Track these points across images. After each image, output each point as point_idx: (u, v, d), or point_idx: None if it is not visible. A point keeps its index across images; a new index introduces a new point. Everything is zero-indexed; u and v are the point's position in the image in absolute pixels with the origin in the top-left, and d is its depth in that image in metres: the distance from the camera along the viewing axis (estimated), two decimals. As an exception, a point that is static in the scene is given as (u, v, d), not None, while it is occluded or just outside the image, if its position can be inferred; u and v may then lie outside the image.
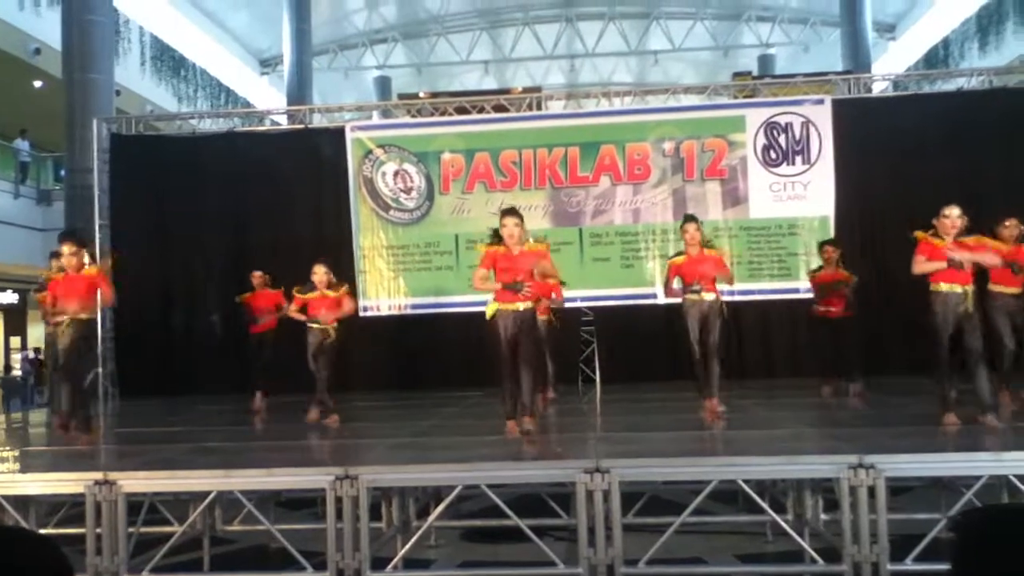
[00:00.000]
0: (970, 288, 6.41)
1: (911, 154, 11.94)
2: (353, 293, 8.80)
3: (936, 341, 6.41)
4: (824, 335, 9.32)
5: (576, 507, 5.11)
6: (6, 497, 5.56)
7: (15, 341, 22.80)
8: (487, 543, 7.09)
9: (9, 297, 22.12)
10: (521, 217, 6.67)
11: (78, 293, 6.94)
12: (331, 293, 8.51)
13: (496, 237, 6.61)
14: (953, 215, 6.37)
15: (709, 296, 7.41)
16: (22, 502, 5.94)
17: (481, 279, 6.63)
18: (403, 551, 5.61)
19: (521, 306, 6.58)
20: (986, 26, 20.37)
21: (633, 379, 11.49)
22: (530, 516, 5.77)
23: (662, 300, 11.99)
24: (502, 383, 6.70)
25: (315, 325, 8.44)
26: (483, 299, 11.84)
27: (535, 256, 6.68)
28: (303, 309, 8.59)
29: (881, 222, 11.87)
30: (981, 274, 6.90)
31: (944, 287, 6.35)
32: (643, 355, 12.03)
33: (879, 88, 14.59)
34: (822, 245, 9.74)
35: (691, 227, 7.45)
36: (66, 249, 6.98)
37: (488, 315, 6.67)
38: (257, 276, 10.08)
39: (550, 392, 9.26)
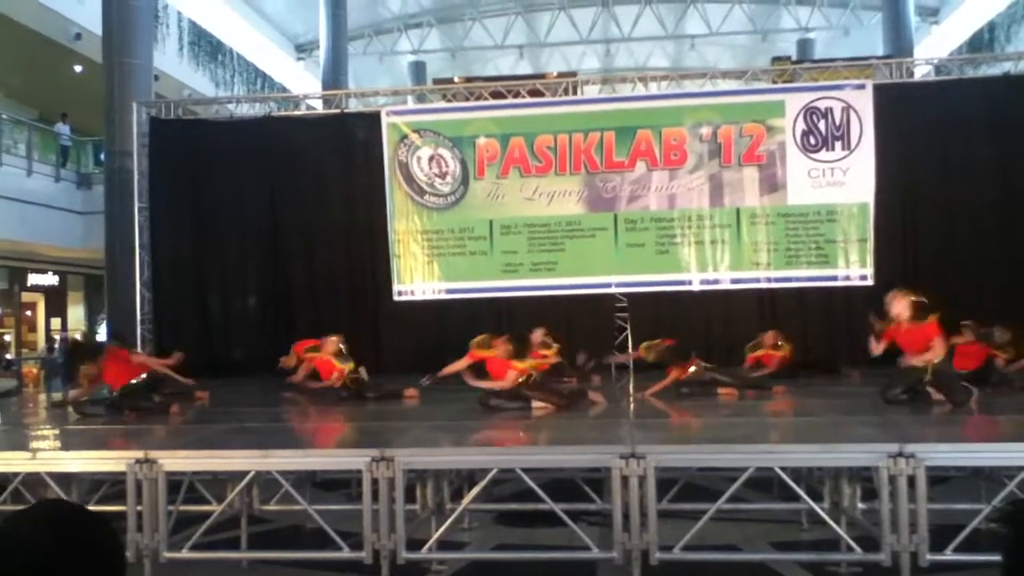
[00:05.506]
0: None
1: (954, 140, 11.73)
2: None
3: None
4: None
5: (611, 492, 5.11)
6: (49, 474, 5.67)
7: (55, 322, 23.14)
8: (521, 526, 7.11)
9: (50, 279, 22.47)
10: None
11: (127, 375, 8.33)
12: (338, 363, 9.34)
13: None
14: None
15: None
16: (64, 479, 6.06)
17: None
18: (438, 533, 5.64)
19: None
20: (1034, 9, 19.89)
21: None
22: (564, 500, 5.76)
23: (697, 287, 11.94)
24: None
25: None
26: (516, 284, 11.97)
27: None
28: (315, 374, 9.46)
29: (922, 209, 11.68)
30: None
31: None
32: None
33: (921, 73, 14.31)
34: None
35: None
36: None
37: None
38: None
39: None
